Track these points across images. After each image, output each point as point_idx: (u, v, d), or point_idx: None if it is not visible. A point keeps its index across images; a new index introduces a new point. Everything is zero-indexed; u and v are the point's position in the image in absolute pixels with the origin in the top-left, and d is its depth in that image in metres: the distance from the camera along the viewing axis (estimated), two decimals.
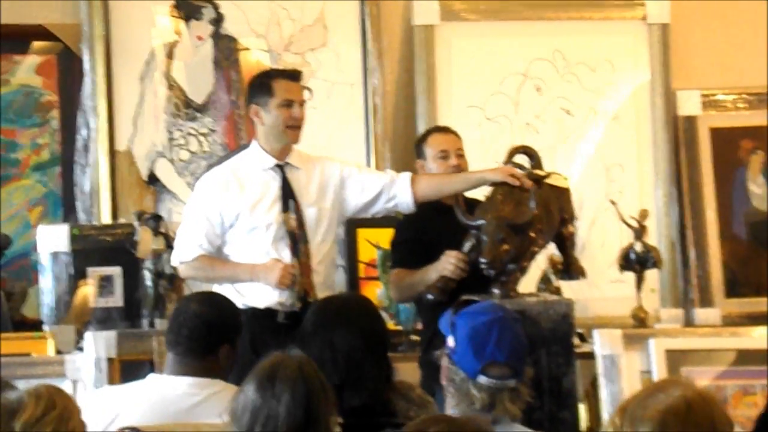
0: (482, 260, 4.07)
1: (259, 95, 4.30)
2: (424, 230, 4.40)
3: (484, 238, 4.06)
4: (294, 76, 4.37)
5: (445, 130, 4.63)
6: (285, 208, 4.24)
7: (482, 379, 2.88)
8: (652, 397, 2.25)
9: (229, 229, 4.27)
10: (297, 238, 4.23)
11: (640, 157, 5.58)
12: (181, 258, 4.33)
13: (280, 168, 4.31)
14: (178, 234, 4.39)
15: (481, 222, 4.09)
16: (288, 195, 4.27)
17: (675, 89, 5.62)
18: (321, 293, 4.24)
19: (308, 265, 4.25)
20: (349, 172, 4.36)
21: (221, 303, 3.59)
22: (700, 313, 5.47)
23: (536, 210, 4.09)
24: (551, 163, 5.28)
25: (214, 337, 3.36)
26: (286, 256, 4.21)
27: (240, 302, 4.21)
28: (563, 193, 4.38)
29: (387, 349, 3.27)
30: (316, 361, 2.92)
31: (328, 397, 2.62)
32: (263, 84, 4.33)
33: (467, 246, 4.18)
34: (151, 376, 3.39)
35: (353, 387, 3.07)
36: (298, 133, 4.30)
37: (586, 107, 5.57)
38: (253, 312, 4.14)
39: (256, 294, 4.19)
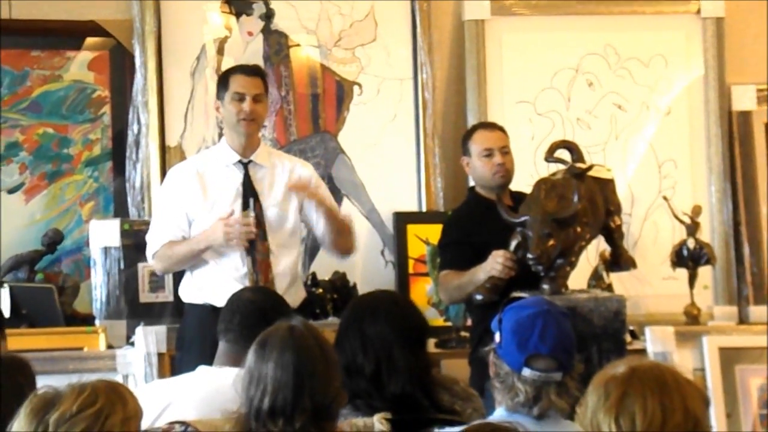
0: (530, 256, 4.04)
1: (219, 91, 4.41)
2: (470, 230, 4.38)
3: (529, 234, 4.03)
4: (249, 70, 4.42)
5: (490, 126, 4.59)
6: (245, 206, 4.28)
7: (527, 372, 2.87)
8: (602, 373, 2.28)
9: (192, 224, 4.33)
10: (255, 237, 4.25)
11: (694, 153, 5.53)
12: (151, 251, 4.39)
13: (244, 165, 4.35)
14: (149, 230, 4.44)
15: (525, 218, 4.06)
16: (248, 193, 4.31)
17: (729, 84, 5.56)
18: (290, 291, 4.28)
19: (266, 263, 4.27)
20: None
21: (274, 293, 3.67)
22: (755, 311, 5.40)
23: (580, 203, 4.06)
24: (603, 159, 5.27)
25: (267, 324, 3.35)
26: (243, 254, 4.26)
27: (197, 297, 4.24)
28: (607, 185, 4.34)
29: (423, 341, 3.27)
30: (349, 354, 2.98)
31: (326, 357, 2.69)
32: (223, 79, 4.43)
33: (513, 244, 4.16)
34: (201, 368, 3.39)
35: (388, 373, 3.09)
36: (251, 125, 4.34)
37: (639, 102, 5.52)
38: (213, 308, 4.09)
39: (214, 290, 4.20)
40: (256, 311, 3.40)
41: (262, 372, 2.65)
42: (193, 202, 4.34)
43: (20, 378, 2.66)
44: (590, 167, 4.25)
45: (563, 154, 4.38)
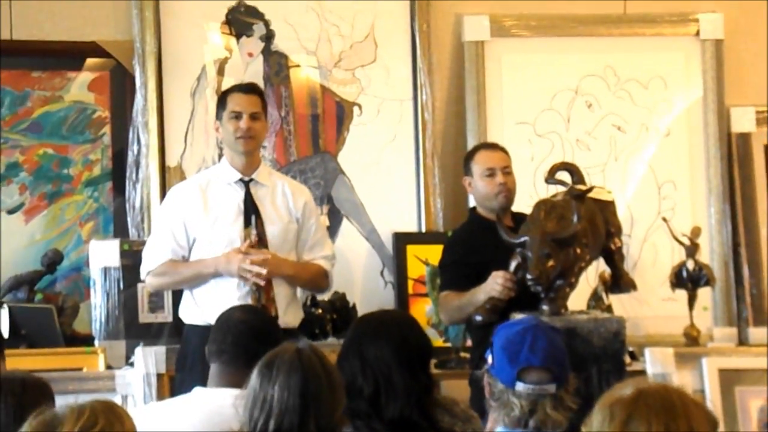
0: (529, 276, 4.04)
1: (218, 111, 4.47)
2: (471, 251, 4.38)
3: (529, 255, 4.04)
4: (245, 88, 4.48)
5: (492, 147, 4.61)
6: (247, 224, 4.30)
7: (520, 386, 2.87)
8: (610, 393, 2.26)
9: (193, 243, 4.35)
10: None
11: (693, 174, 5.53)
12: (147, 268, 4.41)
13: (245, 183, 4.38)
14: (145, 247, 4.46)
15: (524, 239, 4.07)
16: (250, 211, 4.34)
17: (729, 106, 5.57)
18: (291, 310, 4.35)
19: (268, 281, 4.29)
20: (308, 218, 4.46)
21: (262, 312, 3.71)
22: (754, 332, 5.39)
23: (580, 224, 4.06)
24: (602, 180, 5.28)
25: (259, 343, 3.36)
26: None
27: (199, 318, 4.25)
28: (607, 207, 4.35)
29: (424, 362, 3.25)
30: (349, 374, 2.97)
31: (331, 382, 2.68)
32: (221, 99, 4.49)
33: (513, 265, 4.16)
34: (197, 390, 3.39)
35: (386, 397, 3.08)
36: (249, 143, 4.37)
37: (638, 124, 5.52)
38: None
39: (216, 310, 4.18)
40: (247, 331, 3.41)
41: (268, 394, 2.63)
42: (195, 218, 4.36)
43: (42, 400, 2.67)
44: (590, 189, 4.25)
45: (564, 175, 4.38)
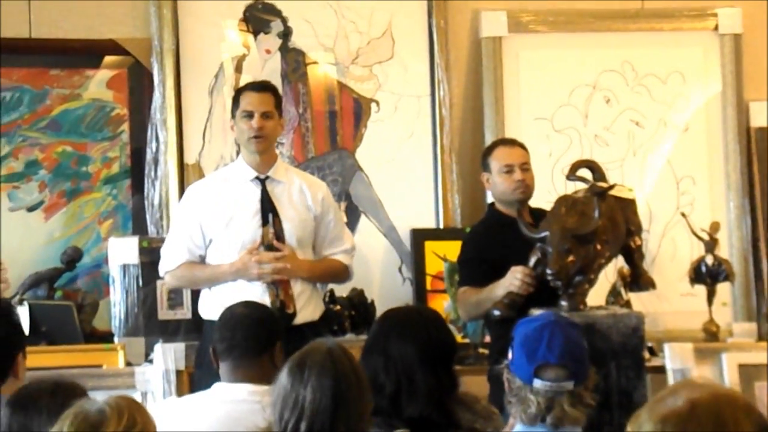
0: (549, 271, 4.04)
1: (233, 109, 4.47)
2: (489, 247, 4.38)
3: (549, 250, 4.04)
4: (258, 87, 4.48)
5: (511, 143, 4.60)
6: (264, 222, 4.31)
7: (537, 383, 2.87)
8: (661, 401, 2.20)
9: (210, 242, 4.37)
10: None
11: (712, 169, 5.51)
12: (165, 268, 4.45)
13: (261, 181, 4.39)
14: (164, 245, 4.49)
15: (545, 234, 4.07)
16: (267, 209, 4.34)
17: (747, 100, 5.55)
18: (310, 304, 4.36)
19: (286, 279, 4.31)
20: (326, 213, 4.46)
21: (260, 303, 3.76)
22: None
23: (601, 220, 4.06)
24: (621, 175, 5.26)
25: (267, 333, 3.39)
26: None
27: (218, 314, 4.23)
28: (628, 205, 4.34)
29: (448, 360, 3.24)
30: (372, 370, 2.97)
31: (361, 383, 2.67)
32: (235, 97, 4.50)
33: (533, 260, 4.16)
34: (217, 385, 3.39)
35: (407, 397, 3.07)
36: (261, 142, 4.37)
37: (657, 119, 5.51)
38: None
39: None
40: (255, 323, 3.43)
41: (300, 395, 2.62)
42: (212, 218, 4.37)
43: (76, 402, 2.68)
44: (612, 186, 4.25)
45: (585, 173, 4.38)
